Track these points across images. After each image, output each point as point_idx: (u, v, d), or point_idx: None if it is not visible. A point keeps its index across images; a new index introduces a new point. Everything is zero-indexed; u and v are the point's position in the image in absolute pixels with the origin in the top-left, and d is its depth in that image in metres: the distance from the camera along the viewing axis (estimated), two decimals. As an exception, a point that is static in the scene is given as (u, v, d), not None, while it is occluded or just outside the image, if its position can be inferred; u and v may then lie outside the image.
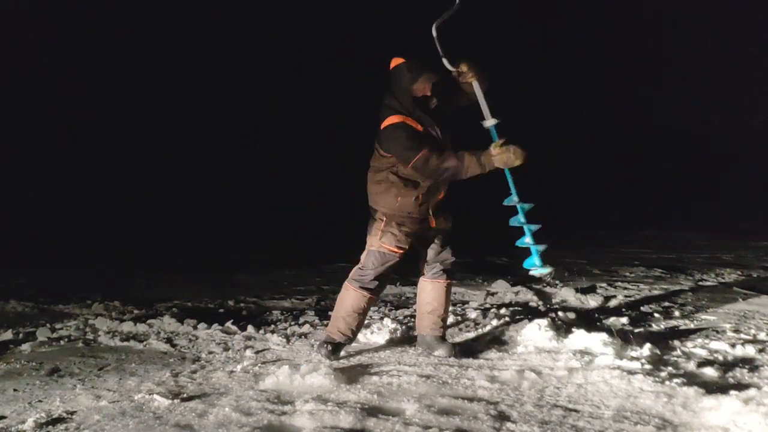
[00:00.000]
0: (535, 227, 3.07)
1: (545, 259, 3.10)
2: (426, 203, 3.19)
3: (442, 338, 3.35)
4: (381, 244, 3.20)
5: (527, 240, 3.07)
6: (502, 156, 2.92)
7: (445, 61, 3.15)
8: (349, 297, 3.26)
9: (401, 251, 3.22)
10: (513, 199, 3.07)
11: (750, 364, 3.00)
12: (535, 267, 3.08)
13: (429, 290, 3.36)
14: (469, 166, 2.97)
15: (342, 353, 3.31)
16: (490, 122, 3.09)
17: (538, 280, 5.74)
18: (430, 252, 3.34)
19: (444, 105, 3.18)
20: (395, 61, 3.09)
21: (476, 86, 3.11)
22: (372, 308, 4.50)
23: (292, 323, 4.14)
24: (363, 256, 3.27)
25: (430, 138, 3.10)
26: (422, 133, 3.08)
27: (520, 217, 3.07)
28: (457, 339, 3.62)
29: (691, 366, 2.93)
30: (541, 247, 3.07)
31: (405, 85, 3.06)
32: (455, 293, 5.08)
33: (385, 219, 3.20)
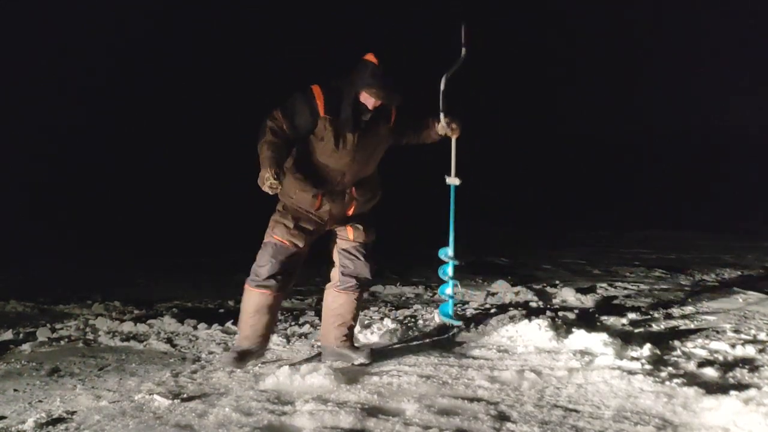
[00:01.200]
0: (457, 282, 3.46)
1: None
2: (328, 207, 3.02)
3: (353, 346, 3.21)
4: (273, 235, 3.02)
5: (448, 291, 3.39)
6: (262, 175, 2.87)
7: (441, 116, 3.16)
8: (250, 298, 3.05)
9: (295, 247, 3.01)
10: (448, 254, 3.33)
11: (750, 364, 3.00)
12: (449, 318, 3.46)
13: (342, 302, 3.17)
14: (261, 153, 2.94)
15: (265, 358, 3.16)
16: (454, 181, 3.31)
17: (538, 280, 5.74)
18: (349, 263, 3.16)
19: (380, 129, 3.02)
20: (369, 57, 2.85)
21: (454, 144, 3.28)
22: (372, 308, 4.51)
23: (292, 323, 4.14)
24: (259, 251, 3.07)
25: (316, 126, 2.90)
26: (314, 113, 2.88)
27: (449, 271, 3.36)
28: (458, 339, 3.62)
29: (691, 366, 2.93)
30: (458, 301, 3.49)
31: (357, 82, 2.85)
32: (455, 294, 5.08)
33: (281, 209, 3.06)
